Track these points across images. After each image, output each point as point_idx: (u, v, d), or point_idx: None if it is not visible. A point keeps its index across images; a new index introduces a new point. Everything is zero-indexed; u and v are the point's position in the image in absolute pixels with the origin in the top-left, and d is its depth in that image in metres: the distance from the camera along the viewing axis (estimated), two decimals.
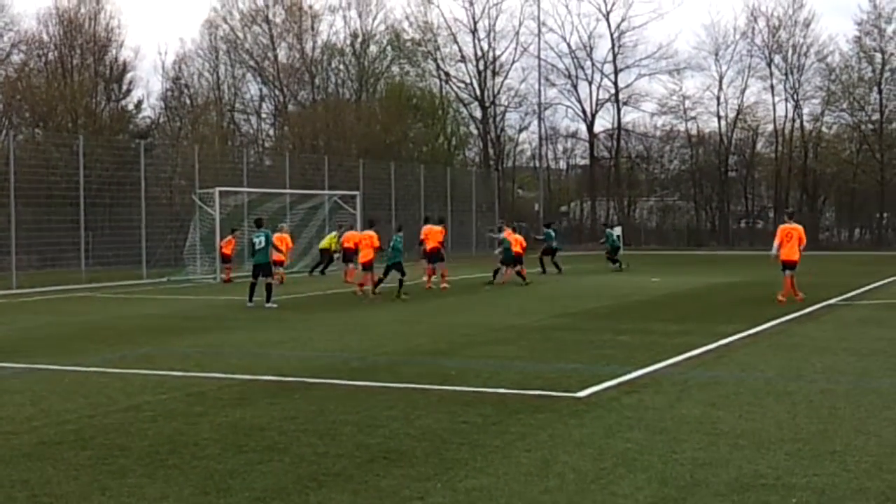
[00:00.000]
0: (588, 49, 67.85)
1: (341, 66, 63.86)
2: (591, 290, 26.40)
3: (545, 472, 7.43)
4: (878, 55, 61.05)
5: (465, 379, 11.70)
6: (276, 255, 26.52)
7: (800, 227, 22.07)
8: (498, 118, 68.48)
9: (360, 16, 63.41)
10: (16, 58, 50.80)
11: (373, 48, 63.99)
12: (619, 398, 10.37)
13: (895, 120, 62.22)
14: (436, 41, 65.65)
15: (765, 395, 10.55)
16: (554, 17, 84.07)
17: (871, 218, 64.27)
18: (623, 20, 67.14)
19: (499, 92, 67.48)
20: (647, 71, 67.10)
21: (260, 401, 10.39)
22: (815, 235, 61.84)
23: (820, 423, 9.13)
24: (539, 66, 62.95)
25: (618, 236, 37.97)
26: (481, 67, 66.38)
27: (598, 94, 68.23)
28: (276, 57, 61.98)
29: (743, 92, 65.57)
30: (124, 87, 53.31)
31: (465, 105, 67.82)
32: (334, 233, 33.15)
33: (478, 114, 67.76)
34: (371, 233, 25.77)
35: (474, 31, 65.94)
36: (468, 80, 66.90)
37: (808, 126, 64.69)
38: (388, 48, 64.42)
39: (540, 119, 65.34)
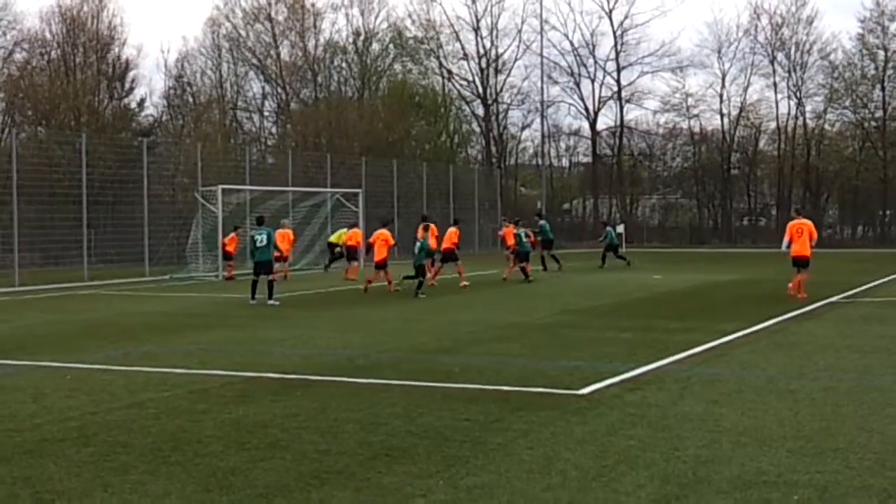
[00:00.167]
0: (591, 46, 67.94)
1: (344, 64, 63.88)
2: (593, 288, 26.40)
3: (547, 470, 7.43)
4: (881, 52, 61.03)
5: (467, 376, 11.70)
6: (283, 250, 26.59)
7: (809, 223, 22.06)
8: (500, 116, 68.52)
9: (362, 13, 63.49)
10: (19, 56, 50.92)
11: (375, 46, 64.05)
12: (621, 395, 10.37)
13: None
14: (438, 39, 65.71)
15: (767, 392, 10.54)
16: (556, 14, 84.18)
17: (874, 215, 64.24)
18: (626, 18, 67.25)
19: (501, 90, 67.55)
20: (650, 68, 67.21)
21: (262, 398, 10.40)
22: (818, 233, 61.72)
23: (822, 420, 9.13)
24: (542, 63, 63.01)
25: (618, 234, 37.94)
26: (484, 65, 66.40)
27: (600, 92, 68.31)
28: (278, 55, 62.01)
29: (746, 89, 65.64)
30: (127, 86, 53.40)
31: (467, 103, 67.86)
32: (345, 229, 32.99)
33: (480, 111, 67.79)
34: (385, 231, 25.91)
35: (477, 29, 65.99)
36: (471, 78, 67.00)
37: (810, 123, 64.70)
38: (391, 46, 64.45)
39: (542, 117, 65.41)
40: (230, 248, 31.96)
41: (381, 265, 25.35)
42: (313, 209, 38.51)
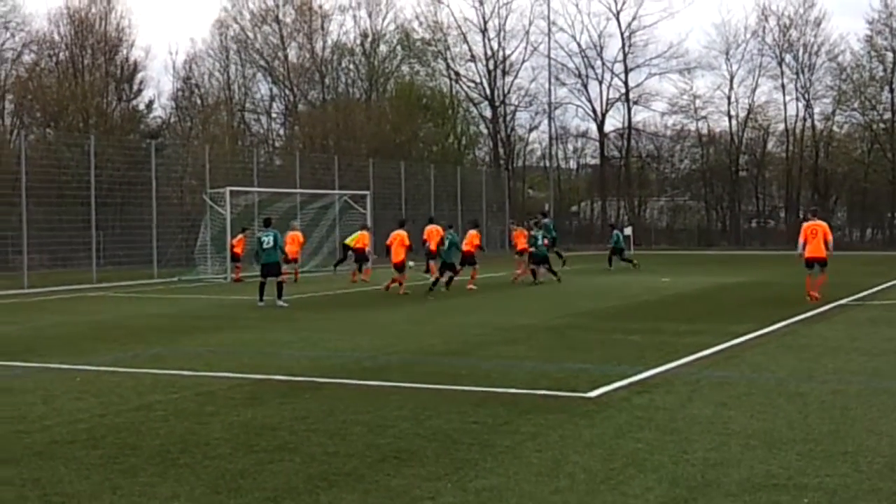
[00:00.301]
0: (598, 48, 67.82)
1: (351, 66, 63.94)
2: (600, 290, 26.38)
3: (555, 473, 7.42)
4: (890, 54, 60.84)
5: (475, 379, 11.70)
6: (290, 252, 26.62)
7: (824, 224, 22.04)
8: (508, 118, 68.48)
9: (370, 15, 63.52)
10: (27, 58, 51.02)
11: (383, 48, 64.07)
12: (629, 398, 10.36)
13: None
14: (446, 41, 65.71)
15: (776, 395, 10.52)
16: (564, 16, 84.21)
17: (883, 217, 64.05)
18: (633, 19, 67.07)
19: (509, 91, 67.52)
20: (658, 70, 67.05)
21: (271, 400, 10.40)
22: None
23: (832, 423, 9.11)
24: (549, 65, 62.97)
25: (625, 237, 37.90)
26: (491, 67, 66.37)
27: (608, 94, 68.23)
28: (286, 57, 62.07)
29: (754, 91, 65.47)
30: (135, 87, 53.47)
31: (475, 104, 67.83)
32: (362, 232, 32.79)
33: (488, 113, 67.77)
34: (402, 232, 26.01)
35: (484, 31, 65.98)
36: (478, 80, 66.95)
37: (819, 125, 64.53)
38: (398, 48, 64.48)
39: (550, 118, 65.36)
40: (238, 250, 32.01)
41: (399, 267, 25.45)
42: (321, 211, 38.55)
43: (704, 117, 67.12)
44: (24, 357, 14.07)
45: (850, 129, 64.97)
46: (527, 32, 66.70)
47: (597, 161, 71.13)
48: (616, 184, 68.88)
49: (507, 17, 68.16)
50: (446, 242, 24.42)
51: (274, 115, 64.44)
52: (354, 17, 65.28)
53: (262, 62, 62.17)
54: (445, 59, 65.89)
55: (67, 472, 7.58)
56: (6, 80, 49.35)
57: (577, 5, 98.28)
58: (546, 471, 7.47)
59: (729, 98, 65.61)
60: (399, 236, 25.90)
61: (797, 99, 64.11)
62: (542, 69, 65.71)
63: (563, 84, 67.95)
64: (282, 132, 64.93)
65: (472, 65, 66.72)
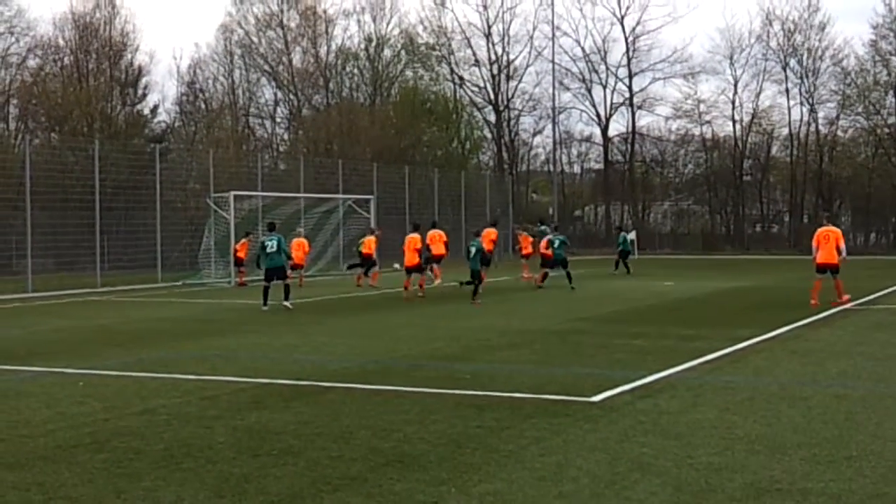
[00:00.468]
0: (602, 53, 67.89)
1: (355, 71, 63.99)
2: (605, 295, 26.36)
3: (559, 477, 7.42)
4: (894, 59, 60.84)
5: (479, 383, 11.70)
6: (296, 258, 26.65)
7: (838, 230, 22.17)
8: (512, 122, 68.54)
9: (374, 20, 63.56)
10: (32, 62, 51.08)
11: (387, 52, 64.11)
12: (633, 403, 10.36)
13: None
14: (450, 45, 65.77)
15: (780, 399, 10.51)
16: (568, 21, 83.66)
17: (887, 222, 64.05)
18: (637, 24, 67.15)
19: (513, 96, 67.57)
20: (662, 75, 67.09)
21: (275, 405, 10.41)
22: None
23: (836, 428, 9.10)
24: (553, 70, 62.99)
25: (631, 241, 37.90)
26: (495, 71, 66.41)
27: (612, 98, 68.28)
28: (290, 61, 62.14)
29: (758, 96, 65.53)
30: (139, 92, 53.54)
31: (479, 109, 67.87)
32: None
33: (492, 118, 67.81)
34: (415, 236, 26.21)
35: (488, 35, 66.04)
36: (482, 84, 67.02)
37: (823, 130, 64.57)
38: (403, 52, 64.51)
39: (554, 123, 65.38)
40: (242, 255, 32.04)
41: (412, 269, 25.81)
42: (325, 215, 38.59)
43: (708, 122, 67.25)
44: (28, 361, 14.08)
45: (854, 134, 64.99)
46: (531, 37, 66.86)
47: (601, 165, 71.16)
48: (620, 188, 68.91)
49: (511, 21, 68.29)
50: (472, 250, 24.50)
51: (278, 120, 64.55)
52: (359, 21, 65.25)
53: (266, 67, 62.25)
54: (449, 64, 65.97)
55: (71, 476, 7.59)
56: (11, 84, 49.44)
57: (581, 10, 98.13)
58: (550, 475, 7.47)
59: (733, 102, 65.71)
60: (413, 240, 26.27)
61: (801, 103, 64.19)
62: (546, 74, 65.91)
63: (567, 89, 68.08)
64: (286, 137, 65.04)
65: (476, 69, 66.85)
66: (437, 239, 29.78)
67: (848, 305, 21.54)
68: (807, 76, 63.62)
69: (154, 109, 55.83)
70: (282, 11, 61.89)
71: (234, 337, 17.11)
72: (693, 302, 24.29)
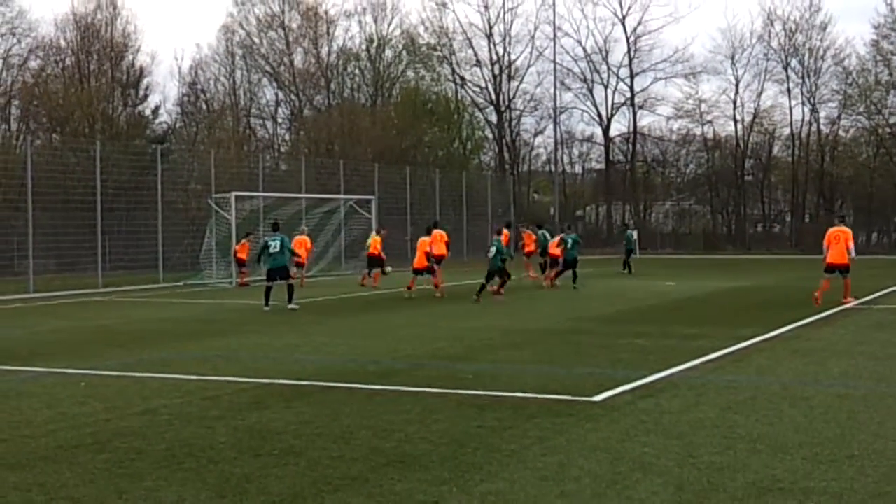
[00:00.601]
0: (604, 53, 67.90)
1: (357, 71, 64.00)
2: (606, 295, 26.36)
3: (561, 477, 7.41)
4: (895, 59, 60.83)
5: (481, 383, 11.69)
6: (295, 258, 26.64)
7: (848, 231, 22.21)
8: (513, 122, 68.54)
9: (375, 21, 63.59)
10: (33, 63, 51.14)
11: (388, 53, 64.15)
12: (635, 402, 10.35)
13: None
14: (451, 46, 65.80)
15: (781, 399, 10.51)
16: (569, 21, 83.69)
17: (889, 221, 64.01)
18: (639, 24, 67.17)
19: (514, 96, 67.56)
20: (663, 75, 67.13)
21: (276, 405, 10.41)
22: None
23: (837, 427, 9.09)
24: (554, 70, 62.99)
25: (634, 240, 37.94)
26: (497, 72, 66.43)
27: (613, 98, 68.30)
28: (291, 62, 62.18)
29: (759, 95, 65.54)
30: (141, 93, 53.59)
31: (480, 109, 67.87)
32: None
33: (493, 118, 67.81)
34: (428, 238, 26.26)
35: (490, 36, 66.05)
36: (483, 85, 67.04)
37: (824, 130, 64.56)
38: (404, 53, 64.53)
39: (555, 123, 65.37)
40: (242, 256, 32.03)
41: (421, 271, 25.96)
42: (326, 216, 38.60)
43: (710, 122, 67.25)
44: (29, 362, 14.08)
45: (855, 134, 64.99)
46: (532, 37, 66.90)
47: (602, 165, 71.16)
48: (621, 188, 68.91)
49: (512, 22, 68.48)
50: (493, 250, 24.55)
51: (279, 121, 64.60)
52: (360, 22, 65.21)
53: (267, 67, 62.28)
54: (451, 64, 65.98)
55: (73, 476, 7.58)
56: (12, 85, 49.48)
57: (582, 10, 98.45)
58: (552, 475, 7.46)
59: (734, 102, 65.72)
60: (425, 242, 26.40)
61: (803, 103, 64.19)
62: (547, 74, 65.88)
63: (569, 89, 68.09)
64: (287, 137, 65.08)
65: (478, 70, 66.88)
66: (438, 239, 29.79)
67: (850, 305, 21.53)
68: (808, 76, 63.64)
69: (155, 110, 55.96)
70: (283, 12, 61.96)
71: (236, 337, 17.11)
72: (694, 301, 24.28)
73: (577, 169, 75.10)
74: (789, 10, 79.88)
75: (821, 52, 63.22)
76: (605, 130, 68.74)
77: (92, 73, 51.08)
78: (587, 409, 10.05)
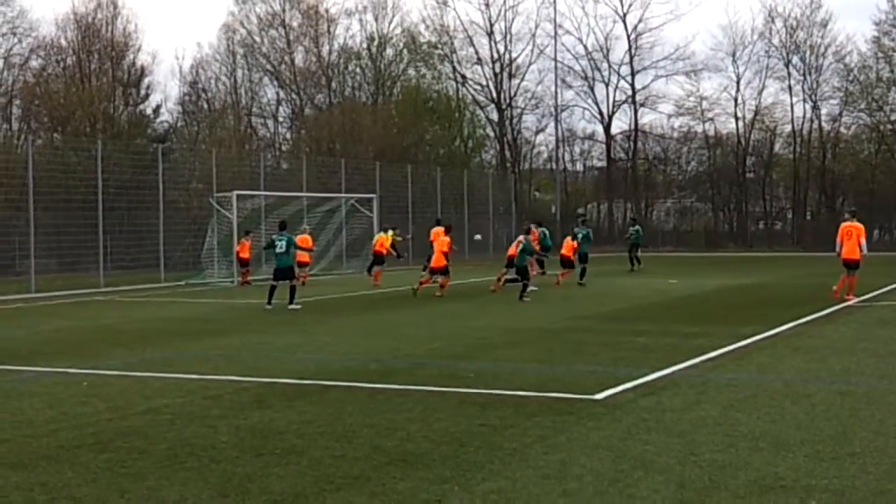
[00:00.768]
0: (605, 51, 67.76)
1: (357, 70, 63.95)
2: (608, 293, 26.35)
3: (563, 475, 7.41)
4: None
5: (482, 381, 11.69)
6: (300, 256, 26.63)
7: (860, 226, 22.29)
8: (514, 120, 68.45)
9: (376, 19, 63.50)
10: (34, 63, 51.11)
11: (389, 51, 64.05)
12: (636, 400, 10.35)
13: None
14: (452, 44, 65.70)
15: (783, 396, 10.51)
16: (570, 19, 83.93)
17: (891, 218, 63.94)
18: (640, 22, 66.99)
19: (515, 94, 67.47)
20: (664, 72, 66.95)
21: (278, 404, 10.41)
22: (834, 237, 61.51)
23: (839, 424, 9.09)
24: (555, 68, 62.96)
25: (641, 235, 38.00)
26: (497, 70, 66.34)
27: (614, 96, 68.15)
28: (292, 61, 62.15)
29: (760, 93, 65.38)
30: (142, 92, 53.52)
31: (481, 107, 67.78)
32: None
33: (494, 116, 67.73)
34: (446, 238, 26.40)
35: (490, 34, 65.94)
36: (484, 83, 66.92)
37: (826, 127, 64.46)
38: (405, 51, 64.44)
39: (556, 121, 65.33)
40: (245, 255, 32.03)
41: (438, 270, 26.00)
42: (328, 214, 38.59)
43: (711, 119, 67.12)
44: (31, 361, 14.09)
45: (857, 131, 64.90)
46: (533, 35, 66.76)
47: (603, 163, 71.07)
48: (623, 186, 68.86)
49: (513, 20, 68.51)
50: (520, 248, 24.55)
51: (280, 119, 64.54)
52: (361, 20, 65.12)
53: (268, 66, 62.25)
54: (452, 63, 65.90)
55: (75, 475, 7.59)
56: (14, 85, 49.47)
57: (583, 8, 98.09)
58: (553, 473, 7.47)
59: (736, 100, 65.59)
60: (444, 242, 26.47)
61: (804, 100, 64.07)
62: (548, 72, 65.87)
63: (570, 86, 67.98)
64: (288, 136, 65.02)
65: (479, 68, 66.74)
66: (439, 236, 29.84)
67: (852, 302, 21.53)
68: (809, 73, 63.54)
69: (156, 109, 55.89)
70: (284, 11, 61.89)
71: (238, 336, 17.11)
72: (696, 299, 24.28)
73: (579, 167, 75.03)
74: (790, 7, 79.79)
75: (822, 49, 63.16)
76: (607, 128, 68.68)
77: (93, 72, 51.05)
78: (589, 407, 10.05)
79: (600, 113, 68.36)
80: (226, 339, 16.77)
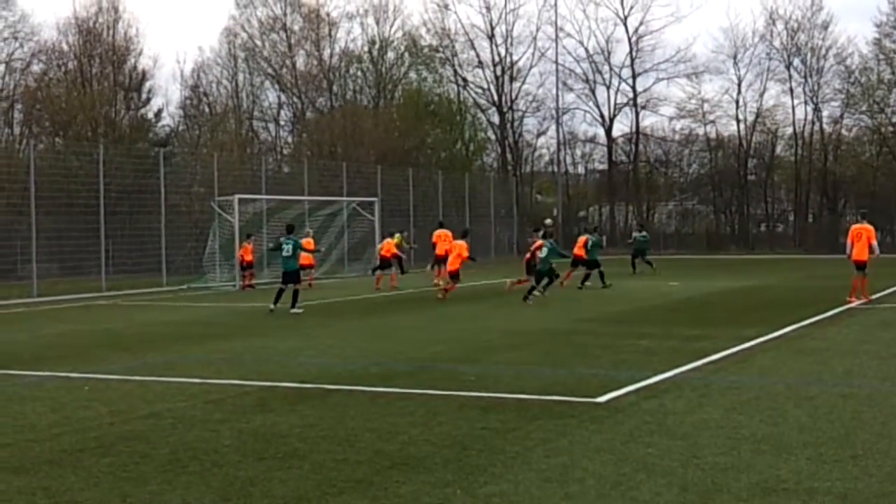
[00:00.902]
0: (606, 53, 67.79)
1: (359, 73, 63.97)
2: (609, 295, 26.34)
3: (565, 478, 7.41)
4: None
5: (484, 385, 11.69)
6: (305, 259, 26.63)
7: (870, 228, 22.41)
8: (516, 123, 68.47)
9: (377, 22, 63.54)
10: (36, 67, 51.15)
11: (390, 54, 64.08)
12: (638, 403, 10.34)
13: None
14: (453, 47, 65.73)
15: (786, 399, 10.50)
16: (571, 21, 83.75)
17: (892, 220, 63.88)
18: (641, 24, 67.03)
19: (516, 97, 67.49)
20: (666, 75, 66.98)
21: (280, 408, 10.41)
22: (836, 238, 61.52)
23: (841, 427, 9.09)
24: (557, 70, 62.98)
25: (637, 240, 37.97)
26: (499, 73, 66.38)
27: (616, 99, 68.19)
28: (294, 64, 62.19)
29: (762, 95, 65.43)
30: (143, 96, 53.54)
31: (482, 110, 67.82)
32: (398, 236, 32.54)
33: (495, 119, 67.76)
34: (462, 243, 26.46)
35: (492, 37, 65.99)
36: (486, 86, 66.97)
37: (827, 129, 64.48)
38: (406, 54, 64.48)
39: (558, 124, 65.34)
40: (249, 258, 32.03)
41: (455, 275, 26.04)
42: (329, 218, 38.58)
43: (713, 121, 67.14)
44: (33, 366, 14.10)
45: (858, 133, 64.95)
46: (534, 38, 66.84)
47: (605, 166, 71.08)
48: (624, 189, 68.86)
49: (514, 23, 68.34)
50: (545, 251, 24.53)
51: (282, 123, 64.58)
52: (362, 24, 65.13)
53: (269, 70, 62.30)
54: (453, 66, 65.95)
55: (77, 480, 7.59)
56: (15, 89, 49.52)
57: (584, 11, 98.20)
58: (556, 476, 7.46)
59: (737, 102, 65.64)
60: (460, 246, 26.53)
61: (805, 102, 64.11)
62: (549, 74, 65.81)
63: (571, 89, 67.99)
64: (290, 140, 65.05)
65: (480, 71, 66.80)
66: (443, 239, 29.94)
67: (854, 304, 21.53)
68: (811, 75, 63.58)
69: (158, 113, 55.89)
70: (285, 15, 61.97)
71: (240, 340, 17.11)
72: (698, 302, 24.26)
73: (580, 170, 75.04)
74: (791, 10, 79.65)
75: (823, 52, 63.21)
76: (608, 131, 68.70)
77: (94, 76, 51.08)
78: (591, 410, 10.05)
79: (601, 116, 68.46)
80: (228, 342, 16.77)
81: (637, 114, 67.56)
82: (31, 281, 29.52)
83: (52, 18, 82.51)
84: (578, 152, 73.01)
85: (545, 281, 24.36)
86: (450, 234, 30.18)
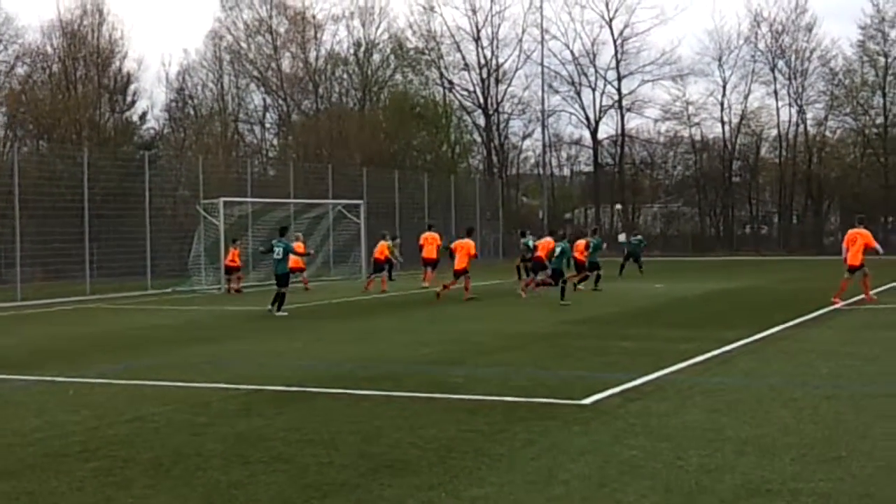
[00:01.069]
0: (591, 56, 67.97)
1: (345, 76, 63.97)
2: (596, 297, 26.39)
3: (550, 480, 7.42)
4: (882, 59, 61.10)
5: (470, 387, 11.69)
6: (294, 262, 26.62)
7: (866, 233, 22.54)
8: (501, 126, 68.60)
9: (363, 25, 63.55)
10: (20, 70, 50.93)
11: (376, 57, 64.13)
12: (623, 405, 10.36)
13: None
14: (439, 49, 65.79)
15: (770, 400, 10.53)
16: (557, 24, 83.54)
17: (876, 222, 64.17)
18: (626, 27, 67.23)
19: (502, 100, 67.60)
20: (651, 77, 67.19)
21: (264, 411, 10.39)
22: (820, 240, 61.80)
23: (825, 428, 9.12)
24: (542, 73, 63.07)
25: (631, 242, 38.13)
26: (484, 75, 66.48)
27: (601, 101, 68.36)
28: (279, 67, 62.11)
29: (746, 97, 65.70)
30: (128, 99, 53.47)
31: (468, 113, 67.92)
32: (389, 243, 32.50)
33: (481, 121, 67.86)
34: (469, 241, 26.31)
35: (477, 39, 66.10)
36: (471, 88, 67.09)
37: (811, 131, 64.79)
38: (392, 57, 64.52)
39: (543, 126, 65.45)
40: (236, 262, 31.94)
41: (459, 273, 26.08)
42: (315, 221, 38.51)
43: (697, 124, 67.39)
44: (17, 370, 14.03)
45: (842, 134, 65.29)
46: (520, 41, 66.90)
47: (590, 168, 71.26)
48: (610, 191, 68.99)
49: (500, 25, 68.35)
50: (557, 251, 24.57)
51: (267, 126, 64.51)
52: (347, 26, 65.08)
53: (255, 72, 62.20)
54: (439, 68, 66.00)
55: (60, 484, 7.56)
56: None
57: (569, 13, 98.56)
58: (541, 478, 7.47)
59: (722, 104, 65.88)
60: (466, 245, 26.51)
61: (790, 104, 64.40)
62: (535, 77, 66.18)
63: (557, 92, 68.14)
64: (275, 142, 64.99)
65: (466, 73, 66.92)
66: (430, 241, 29.91)
67: (838, 305, 21.62)
68: (795, 77, 63.86)
69: (143, 116, 55.81)
70: (270, 17, 61.91)
71: (225, 343, 17.08)
72: (683, 304, 24.33)
73: (566, 172, 75.21)
74: (775, 12, 79.71)
75: (807, 54, 63.52)
76: (594, 133, 68.87)
77: (79, 79, 50.95)
78: (576, 412, 10.06)
79: (587, 118, 68.61)
80: (213, 346, 16.74)
81: (622, 116, 67.81)
82: (14, 285, 29.39)
83: (37, 21, 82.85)
84: (564, 154, 73.26)
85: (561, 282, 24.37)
86: (437, 236, 30.17)
